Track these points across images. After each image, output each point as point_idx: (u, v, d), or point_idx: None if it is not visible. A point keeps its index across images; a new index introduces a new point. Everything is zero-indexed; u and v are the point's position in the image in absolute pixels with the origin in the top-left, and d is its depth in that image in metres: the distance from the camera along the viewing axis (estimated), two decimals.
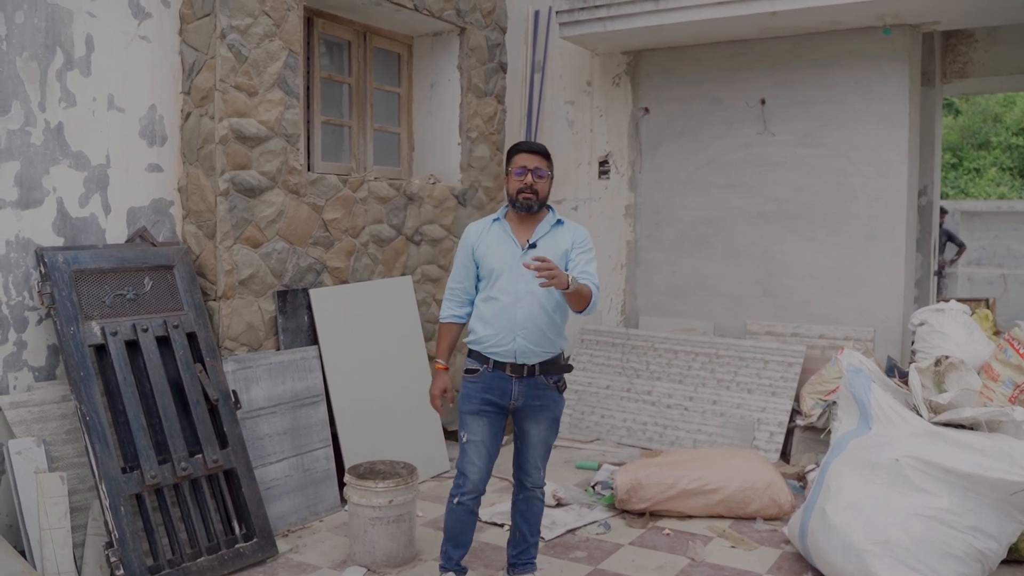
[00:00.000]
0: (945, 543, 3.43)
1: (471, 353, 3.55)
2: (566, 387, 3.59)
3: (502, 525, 4.50)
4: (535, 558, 3.73)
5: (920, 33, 5.99)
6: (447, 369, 3.61)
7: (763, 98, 6.25)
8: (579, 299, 3.32)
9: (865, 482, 3.68)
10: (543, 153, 3.53)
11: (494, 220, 3.59)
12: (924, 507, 3.49)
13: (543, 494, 3.67)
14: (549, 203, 3.60)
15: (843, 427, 4.14)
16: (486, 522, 4.56)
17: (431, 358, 5.61)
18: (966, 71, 7.10)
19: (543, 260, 3.14)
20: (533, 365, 3.46)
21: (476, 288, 3.59)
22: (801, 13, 5.55)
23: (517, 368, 3.45)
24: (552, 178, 3.57)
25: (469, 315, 3.61)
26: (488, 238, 3.54)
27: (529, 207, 3.48)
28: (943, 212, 10.78)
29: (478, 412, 3.51)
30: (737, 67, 6.34)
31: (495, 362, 3.47)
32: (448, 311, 3.64)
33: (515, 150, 3.56)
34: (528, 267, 3.18)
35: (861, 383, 4.07)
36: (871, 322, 5.95)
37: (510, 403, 3.48)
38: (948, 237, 10.99)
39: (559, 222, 3.56)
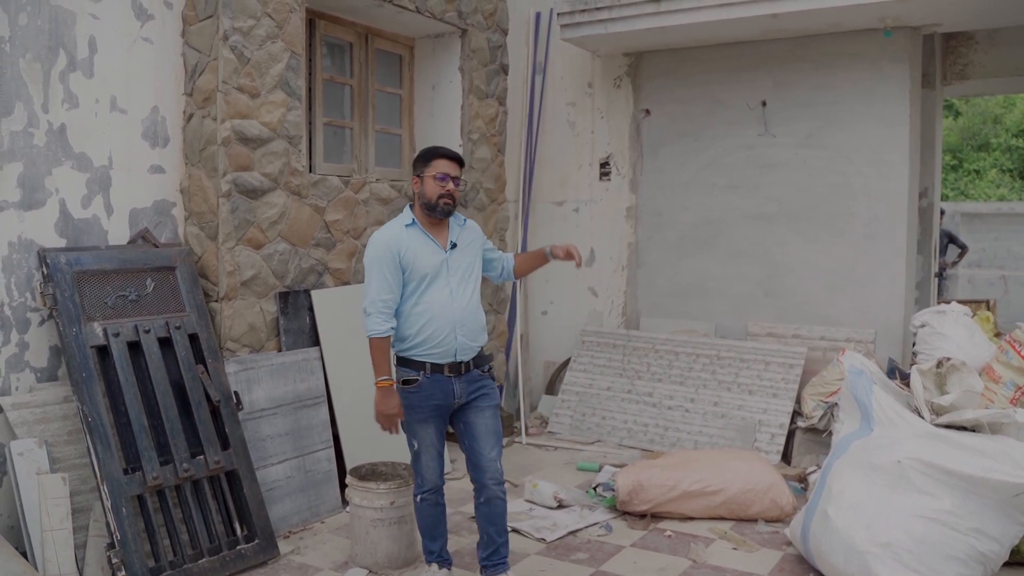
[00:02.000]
0: (947, 545, 3.43)
1: (402, 362, 3.54)
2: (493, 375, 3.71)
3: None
4: (506, 557, 3.67)
5: (920, 35, 5.99)
6: (394, 384, 3.47)
7: (764, 99, 6.25)
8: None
9: (867, 484, 3.68)
10: (461, 162, 3.63)
11: (407, 226, 3.55)
12: (926, 509, 3.49)
13: (504, 492, 3.60)
14: None
15: (844, 429, 4.14)
16: None
17: None
18: (966, 73, 7.11)
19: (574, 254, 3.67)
20: (468, 361, 3.55)
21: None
22: (802, 15, 5.55)
23: (455, 367, 3.51)
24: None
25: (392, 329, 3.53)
26: (411, 244, 3.51)
27: (448, 212, 3.56)
28: (941, 213, 10.75)
29: (426, 420, 3.55)
30: (738, 68, 6.35)
31: (432, 365, 3.48)
32: (382, 325, 3.45)
33: (436, 154, 3.56)
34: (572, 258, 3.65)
35: (863, 385, 4.08)
36: (872, 323, 5.95)
37: (454, 402, 3.55)
38: (950, 239, 10.97)
39: (464, 221, 3.71)
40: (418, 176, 3.57)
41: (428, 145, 6.02)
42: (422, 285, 3.50)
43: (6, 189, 3.74)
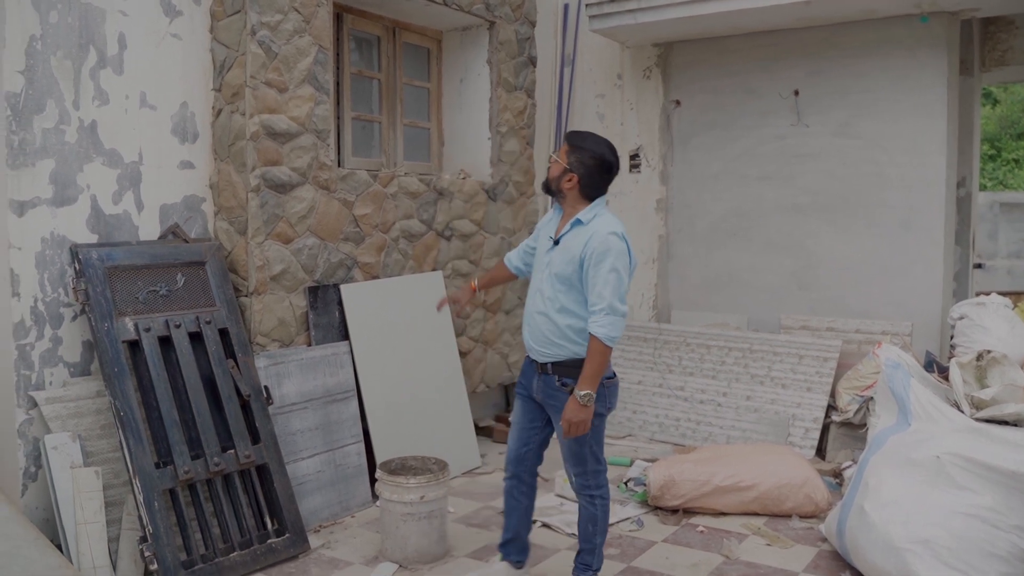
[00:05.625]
0: (988, 542, 3.35)
1: None
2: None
3: (534, 522, 4.47)
4: (591, 566, 3.54)
5: (958, 20, 5.86)
6: (474, 288, 3.80)
7: (797, 89, 6.15)
8: (603, 363, 3.23)
9: (905, 479, 3.61)
10: (567, 138, 3.40)
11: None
12: (966, 505, 3.41)
13: (589, 500, 3.49)
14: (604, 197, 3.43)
15: (881, 423, 4.06)
16: None
17: (463, 353, 5.61)
18: (1006, 59, 6.94)
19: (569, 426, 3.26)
20: (545, 363, 3.39)
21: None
22: (836, 2, 5.45)
23: (534, 362, 3.46)
24: (565, 168, 3.34)
25: (519, 270, 3.76)
26: (546, 224, 3.54)
27: (547, 190, 3.45)
28: None
29: (517, 394, 3.62)
30: (770, 57, 6.25)
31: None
32: (508, 255, 3.79)
33: None
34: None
35: (900, 378, 4.00)
36: (909, 316, 5.85)
37: (534, 394, 3.50)
38: None
39: (578, 221, 3.33)
40: None
41: (458, 138, 6.06)
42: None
43: (39, 186, 3.78)
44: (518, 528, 3.67)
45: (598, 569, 3.56)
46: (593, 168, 3.32)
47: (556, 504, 4.70)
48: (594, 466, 3.46)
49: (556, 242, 3.36)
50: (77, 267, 3.82)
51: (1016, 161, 18.87)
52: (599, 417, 3.39)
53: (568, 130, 3.50)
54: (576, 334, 3.31)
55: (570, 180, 3.34)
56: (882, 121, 5.91)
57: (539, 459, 3.66)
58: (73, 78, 3.89)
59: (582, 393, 3.20)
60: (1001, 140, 19.05)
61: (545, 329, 3.36)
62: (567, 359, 3.34)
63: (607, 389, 3.38)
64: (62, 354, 3.89)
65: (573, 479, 3.51)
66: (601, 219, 3.31)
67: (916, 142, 5.80)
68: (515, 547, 3.69)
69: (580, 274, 3.27)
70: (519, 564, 3.72)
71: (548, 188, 3.44)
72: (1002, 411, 3.64)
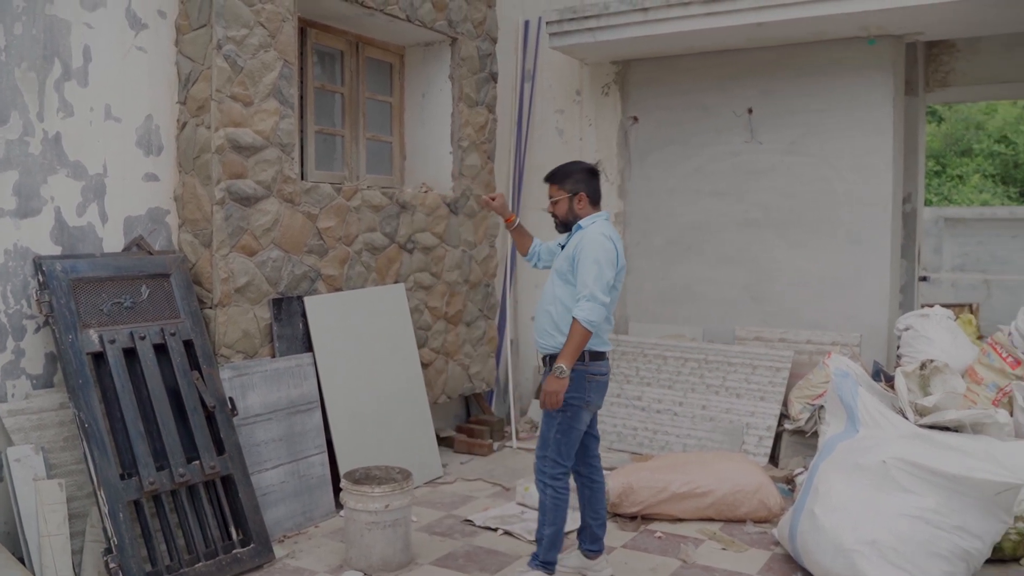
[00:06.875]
0: (931, 543, 3.50)
1: None
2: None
3: (495, 530, 4.55)
4: (536, 556, 3.76)
5: (903, 43, 6.09)
6: (511, 220, 4.10)
7: (750, 107, 6.33)
8: (580, 343, 3.52)
9: (853, 484, 3.75)
10: (550, 179, 3.85)
11: None
12: (910, 507, 3.56)
13: (542, 488, 3.72)
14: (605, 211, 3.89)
15: (831, 430, 4.21)
16: (479, 526, 4.61)
17: (424, 365, 5.68)
18: (948, 80, 7.20)
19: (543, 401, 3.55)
20: (544, 356, 3.75)
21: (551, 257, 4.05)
22: (787, 24, 5.63)
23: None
24: (569, 195, 3.78)
25: (533, 251, 4.10)
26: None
27: (558, 228, 3.87)
28: None
29: None
30: (724, 76, 6.43)
31: None
32: (539, 240, 4.14)
33: None
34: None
35: (848, 387, 4.15)
36: (857, 327, 6.04)
37: None
38: None
39: (579, 227, 3.77)
40: None
41: (420, 152, 6.14)
42: None
43: (2, 197, 3.78)
44: (583, 517, 3.93)
45: (547, 562, 3.73)
46: (586, 179, 3.81)
47: (518, 512, 4.78)
48: (553, 455, 3.67)
49: (561, 247, 3.86)
50: (41, 279, 3.82)
51: (960, 177, 19.43)
52: (573, 408, 3.62)
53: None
54: (560, 324, 3.68)
55: (580, 200, 3.78)
56: (832, 139, 6.11)
57: (584, 450, 3.85)
58: (37, 90, 3.90)
59: (557, 366, 3.51)
60: (946, 157, 19.60)
61: (545, 322, 3.73)
62: (557, 351, 3.64)
63: (589, 383, 3.64)
64: (24, 366, 3.88)
65: (537, 462, 3.74)
66: (597, 225, 3.73)
67: (864, 159, 6.01)
68: (584, 536, 3.94)
69: (573, 268, 3.65)
70: (588, 553, 3.93)
71: (565, 225, 3.83)
72: (944, 417, 3.82)
